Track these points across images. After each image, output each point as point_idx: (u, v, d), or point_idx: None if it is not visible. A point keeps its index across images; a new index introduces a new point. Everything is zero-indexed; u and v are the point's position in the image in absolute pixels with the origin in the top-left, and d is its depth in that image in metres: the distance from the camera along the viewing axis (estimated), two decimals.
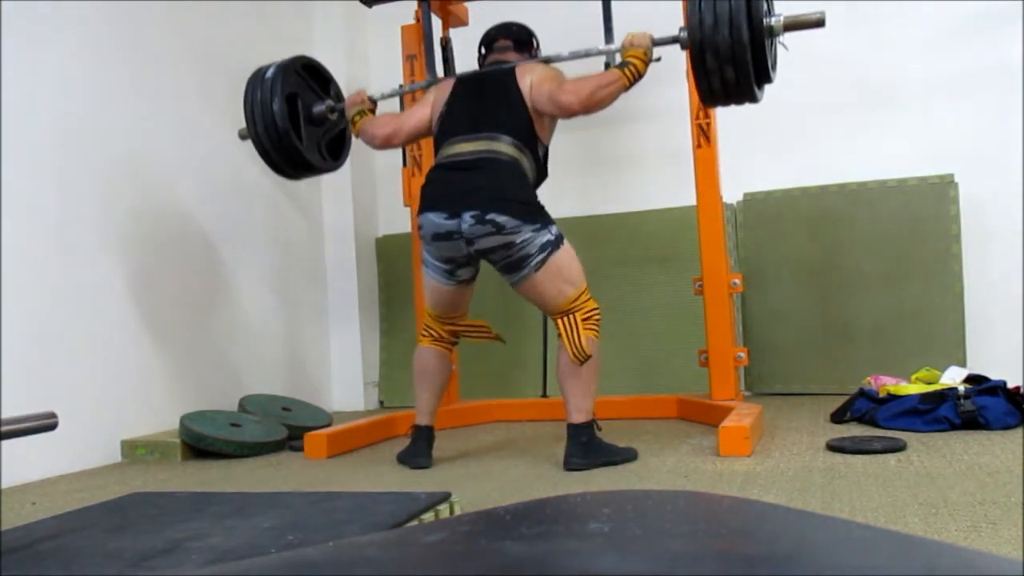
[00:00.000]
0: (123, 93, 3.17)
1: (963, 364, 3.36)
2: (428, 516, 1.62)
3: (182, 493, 2.03)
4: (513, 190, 2.41)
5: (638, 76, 2.42)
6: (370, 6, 3.65)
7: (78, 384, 2.85)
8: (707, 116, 3.16)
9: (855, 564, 0.43)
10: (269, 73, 2.71)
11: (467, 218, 2.36)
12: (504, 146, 2.46)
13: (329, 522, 1.55)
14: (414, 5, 3.50)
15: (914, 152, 3.76)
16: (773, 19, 2.20)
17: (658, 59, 2.46)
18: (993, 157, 3.65)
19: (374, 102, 2.82)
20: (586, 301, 2.44)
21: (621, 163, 4.20)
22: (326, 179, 4.36)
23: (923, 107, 3.78)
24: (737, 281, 3.17)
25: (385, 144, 2.73)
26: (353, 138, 2.95)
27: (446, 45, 3.48)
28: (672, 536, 0.47)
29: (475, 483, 2.27)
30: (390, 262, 4.42)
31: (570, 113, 2.47)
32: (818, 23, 2.22)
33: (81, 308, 2.90)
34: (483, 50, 2.79)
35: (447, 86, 2.66)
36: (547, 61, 2.66)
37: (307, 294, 4.25)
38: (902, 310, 3.67)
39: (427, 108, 2.68)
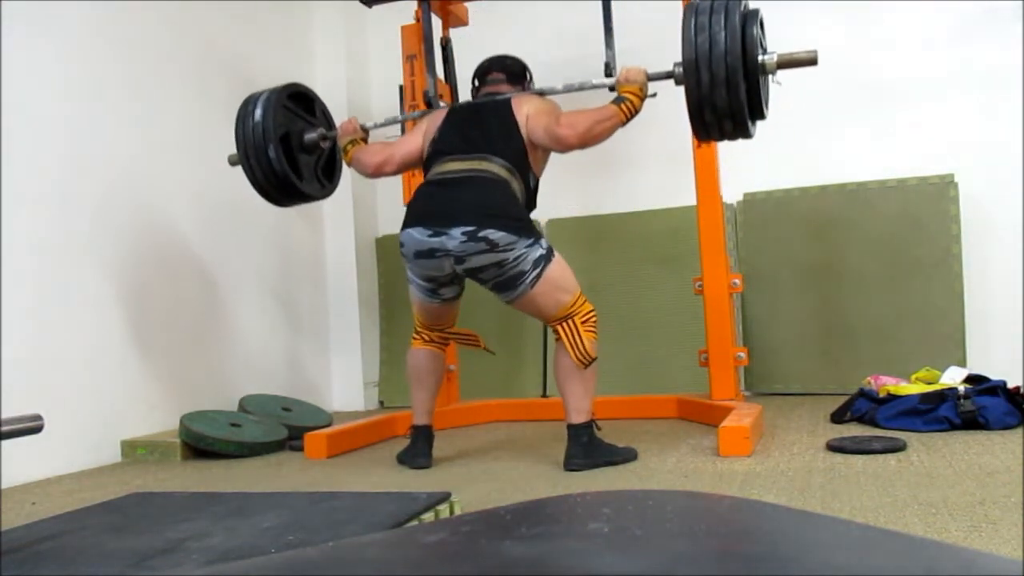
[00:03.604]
0: (123, 91, 3.17)
1: (963, 364, 3.35)
2: (428, 516, 1.62)
3: (182, 493, 2.03)
4: (504, 206, 2.37)
5: (634, 112, 2.41)
6: (370, 6, 3.65)
7: (78, 384, 2.86)
8: None
9: (855, 564, 0.43)
10: (258, 116, 2.67)
11: (457, 235, 2.31)
12: (495, 167, 2.43)
13: (329, 522, 1.55)
14: (414, 5, 3.50)
15: (914, 152, 3.76)
16: (767, 56, 2.20)
17: (654, 95, 2.44)
18: (993, 157, 3.65)
19: (366, 131, 2.81)
20: (582, 304, 2.44)
21: (621, 163, 4.20)
22: None
23: (923, 107, 3.78)
24: (737, 281, 3.17)
25: (377, 172, 2.72)
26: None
27: (446, 45, 3.48)
28: (672, 536, 0.47)
29: (475, 483, 2.27)
30: (390, 262, 4.42)
31: (567, 147, 2.47)
32: (811, 62, 2.23)
33: (81, 308, 2.90)
34: (476, 82, 2.77)
35: (440, 115, 2.64)
36: (541, 94, 2.64)
37: (307, 294, 4.25)
38: (902, 310, 3.66)
39: (419, 137, 2.66)
